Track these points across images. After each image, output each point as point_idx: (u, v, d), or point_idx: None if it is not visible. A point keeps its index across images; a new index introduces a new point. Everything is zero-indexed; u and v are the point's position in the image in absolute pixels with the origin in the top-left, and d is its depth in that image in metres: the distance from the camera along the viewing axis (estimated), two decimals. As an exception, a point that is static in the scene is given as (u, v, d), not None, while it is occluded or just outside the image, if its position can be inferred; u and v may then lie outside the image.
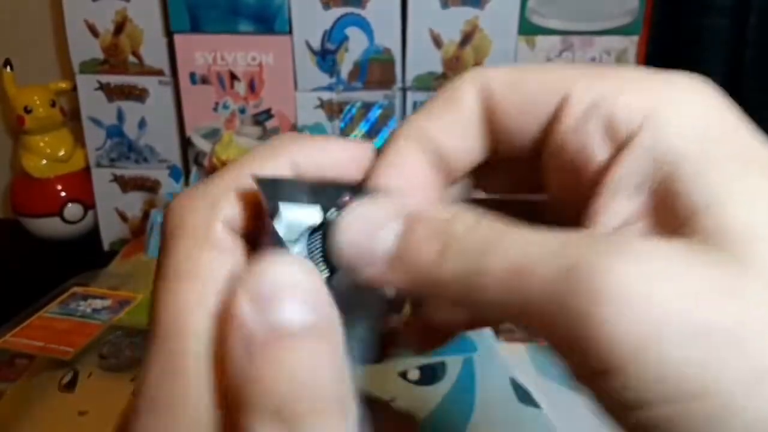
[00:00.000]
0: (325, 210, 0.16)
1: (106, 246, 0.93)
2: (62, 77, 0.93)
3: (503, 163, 0.17)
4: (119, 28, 0.84)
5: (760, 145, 0.14)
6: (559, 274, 0.12)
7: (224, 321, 0.13)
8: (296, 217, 0.16)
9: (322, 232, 0.16)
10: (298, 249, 0.17)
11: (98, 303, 0.59)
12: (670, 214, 0.13)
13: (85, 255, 0.89)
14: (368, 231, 0.15)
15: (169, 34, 0.84)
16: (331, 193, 0.16)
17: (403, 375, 0.48)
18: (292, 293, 0.13)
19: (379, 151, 0.18)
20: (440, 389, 0.47)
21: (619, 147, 0.14)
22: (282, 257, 0.13)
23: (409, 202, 0.16)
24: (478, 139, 0.17)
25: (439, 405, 0.46)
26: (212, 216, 0.15)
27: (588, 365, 0.12)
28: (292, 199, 0.16)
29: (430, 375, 0.48)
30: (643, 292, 0.11)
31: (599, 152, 0.15)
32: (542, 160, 0.16)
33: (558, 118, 0.15)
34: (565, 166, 0.15)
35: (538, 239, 0.13)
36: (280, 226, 0.16)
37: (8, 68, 0.88)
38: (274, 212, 0.16)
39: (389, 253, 0.15)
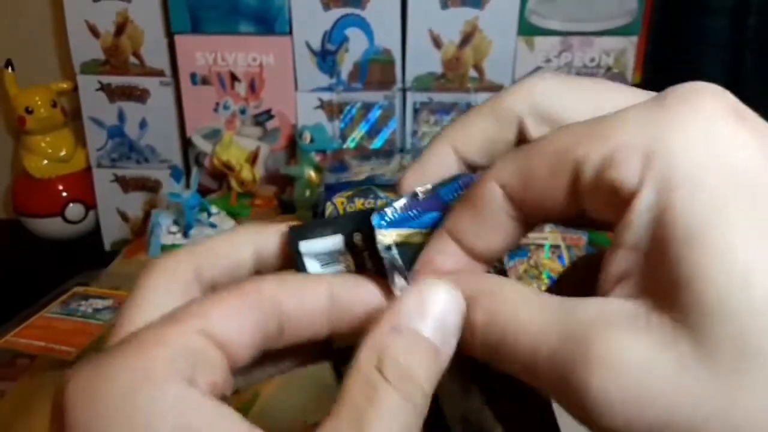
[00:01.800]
0: (346, 235, 0.20)
1: (107, 246, 0.94)
2: (63, 78, 0.93)
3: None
4: (120, 28, 0.84)
5: None
6: (561, 379, 0.15)
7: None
8: (319, 246, 0.20)
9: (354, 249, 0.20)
10: (335, 269, 0.20)
11: (99, 303, 0.59)
12: (658, 278, 0.14)
13: (87, 255, 0.90)
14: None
15: (169, 35, 0.84)
16: (347, 221, 0.20)
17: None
18: (440, 321, 0.17)
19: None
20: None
21: (623, 205, 0.15)
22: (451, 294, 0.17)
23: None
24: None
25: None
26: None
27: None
28: (312, 236, 0.20)
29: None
30: (616, 400, 0.14)
31: (609, 216, 0.16)
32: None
33: (574, 190, 0.16)
34: (595, 220, 0.17)
35: (544, 323, 0.15)
36: (308, 259, 0.20)
37: (9, 69, 0.88)
38: (295, 249, 0.20)
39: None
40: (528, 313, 0.16)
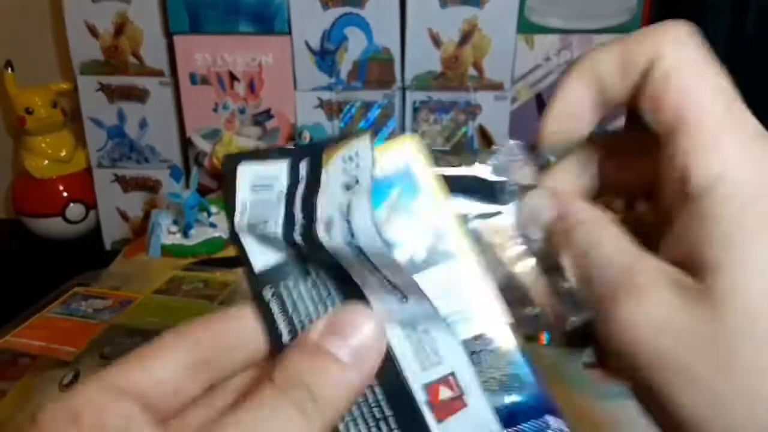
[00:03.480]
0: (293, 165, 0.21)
1: (107, 246, 0.94)
2: (63, 78, 0.93)
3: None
4: (119, 29, 0.84)
5: None
6: (607, 294, 0.20)
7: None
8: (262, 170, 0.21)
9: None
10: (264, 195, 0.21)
11: (99, 303, 0.59)
12: (696, 266, 0.18)
13: (87, 255, 0.90)
14: (533, 215, 0.23)
15: (168, 35, 0.84)
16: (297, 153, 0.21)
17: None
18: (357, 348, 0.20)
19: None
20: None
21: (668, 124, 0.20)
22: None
23: (562, 197, 0.23)
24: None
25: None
26: None
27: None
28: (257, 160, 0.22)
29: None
30: (641, 333, 0.19)
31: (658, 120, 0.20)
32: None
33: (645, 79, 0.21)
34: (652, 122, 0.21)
35: (614, 261, 0.20)
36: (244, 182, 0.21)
37: (9, 69, 0.88)
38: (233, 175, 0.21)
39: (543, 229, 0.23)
40: (614, 240, 0.21)
